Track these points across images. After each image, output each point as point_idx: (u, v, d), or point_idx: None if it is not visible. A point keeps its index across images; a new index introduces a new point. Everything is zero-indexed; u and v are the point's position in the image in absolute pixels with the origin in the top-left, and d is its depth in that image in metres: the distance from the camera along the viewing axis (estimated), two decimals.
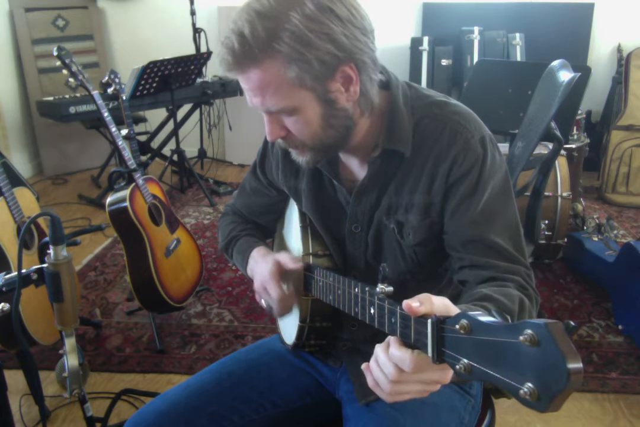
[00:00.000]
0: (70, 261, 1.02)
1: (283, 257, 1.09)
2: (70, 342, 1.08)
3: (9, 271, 1.59)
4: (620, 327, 2.32)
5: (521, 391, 0.53)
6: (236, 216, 1.34)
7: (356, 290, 0.86)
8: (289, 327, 1.21)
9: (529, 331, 0.52)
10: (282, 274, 1.08)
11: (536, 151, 2.25)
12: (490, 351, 0.57)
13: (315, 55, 0.85)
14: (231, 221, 1.33)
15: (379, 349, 0.74)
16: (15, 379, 1.99)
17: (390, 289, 0.77)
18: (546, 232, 2.63)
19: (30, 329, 1.81)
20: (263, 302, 1.14)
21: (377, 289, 0.77)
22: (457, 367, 0.60)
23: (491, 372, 0.56)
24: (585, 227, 2.84)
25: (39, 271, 1.02)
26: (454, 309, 0.70)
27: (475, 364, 0.58)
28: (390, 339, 0.73)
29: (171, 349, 2.25)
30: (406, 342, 0.71)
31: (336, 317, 1.12)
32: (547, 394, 0.51)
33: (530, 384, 0.52)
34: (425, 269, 1.07)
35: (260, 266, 1.14)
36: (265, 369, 1.19)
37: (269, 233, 1.35)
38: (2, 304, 1.02)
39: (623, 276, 2.34)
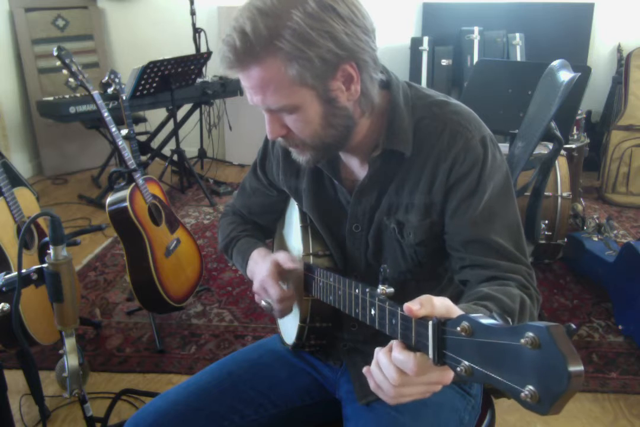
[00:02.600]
0: (70, 261, 1.02)
1: (281, 257, 1.09)
2: (70, 342, 1.08)
3: (9, 271, 1.59)
4: (620, 327, 2.32)
5: (522, 394, 0.53)
6: (236, 216, 1.34)
7: (357, 291, 0.86)
8: (289, 328, 1.21)
9: (530, 334, 0.52)
10: (281, 273, 1.08)
11: (536, 151, 2.25)
12: (491, 353, 0.57)
13: (316, 53, 0.85)
14: (231, 221, 1.32)
15: (380, 353, 0.74)
16: (15, 379, 1.98)
17: (391, 290, 0.77)
18: (546, 232, 2.63)
19: (30, 329, 1.81)
20: (263, 302, 1.14)
21: (378, 290, 0.77)
22: (458, 369, 0.60)
23: (492, 375, 0.56)
24: (585, 227, 2.84)
25: (39, 271, 1.02)
26: (455, 310, 0.70)
27: (476, 366, 0.58)
28: (393, 342, 0.73)
29: (171, 349, 2.25)
30: (407, 344, 0.71)
31: (336, 317, 1.12)
32: (548, 397, 0.51)
33: (531, 387, 0.52)
34: (426, 268, 1.07)
35: (260, 266, 1.14)
36: (266, 369, 1.19)
37: (269, 233, 1.35)
38: (2, 304, 1.02)
39: (623, 276, 2.34)
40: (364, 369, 0.77)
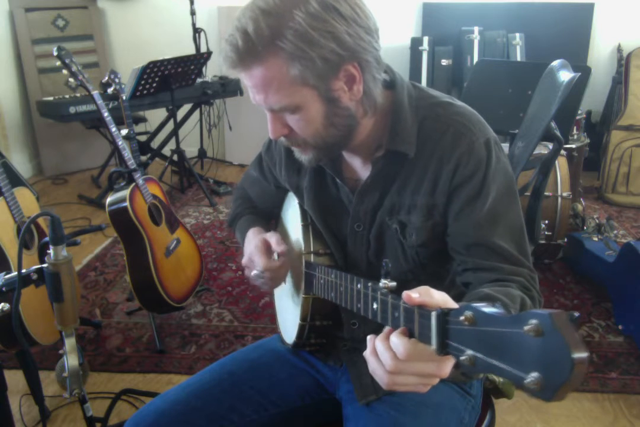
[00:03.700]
0: (70, 261, 1.02)
1: (271, 239, 1.12)
2: (70, 342, 1.08)
3: (9, 271, 1.59)
4: (620, 327, 2.32)
5: (526, 381, 0.52)
6: (244, 191, 1.38)
7: (358, 286, 0.86)
8: (289, 327, 1.21)
9: (533, 321, 0.52)
10: (268, 249, 1.12)
11: (536, 151, 2.25)
12: (494, 342, 0.57)
13: (318, 54, 0.85)
14: (239, 196, 1.38)
15: (377, 339, 0.74)
16: (15, 379, 1.99)
17: (394, 284, 0.77)
18: (546, 232, 2.63)
19: (30, 329, 1.80)
20: (253, 272, 1.15)
21: (380, 284, 0.77)
22: (462, 358, 0.60)
23: (495, 363, 0.56)
24: (585, 227, 2.84)
25: (39, 271, 1.02)
26: (452, 303, 0.70)
27: (479, 355, 0.58)
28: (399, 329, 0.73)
29: (171, 349, 2.25)
30: (411, 337, 0.71)
31: (337, 315, 1.13)
32: (552, 384, 0.51)
33: (535, 374, 0.52)
34: (427, 269, 1.07)
35: (250, 244, 1.18)
36: (266, 369, 1.19)
37: (272, 216, 1.37)
38: (2, 304, 1.02)
39: (623, 276, 2.34)
40: (364, 353, 0.77)
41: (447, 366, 0.71)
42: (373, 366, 0.75)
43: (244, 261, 1.17)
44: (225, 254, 3.07)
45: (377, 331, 0.79)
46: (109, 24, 4.49)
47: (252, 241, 1.17)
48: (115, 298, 2.63)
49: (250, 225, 1.25)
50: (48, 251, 1.01)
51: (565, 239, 2.70)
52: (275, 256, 1.12)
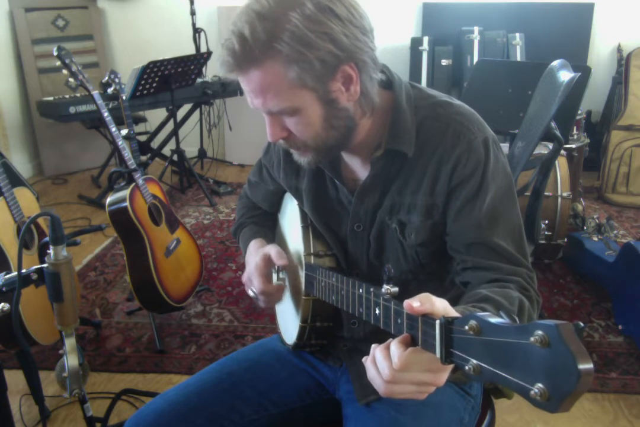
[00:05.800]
0: (70, 261, 1.02)
1: (271, 251, 1.12)
2: (70, 342, 1.08)
3: (9, 271, 1.58)
4: (620, 327, 2.32)
5: (532, 392, 0.52)
6: (248, 200, 1.38)
7: (360, 291, 0.86)
8: (289, 327, 1.21)
9: (539, 332, 0.52)
10: (268, 268, 1.13)
11: (536, 151, 2.25)
12: (500, 352, 0.57)
13: (315, 55, 0.85)
14: (243, 205, 1.38)
15: (377, 349, 0.75)
16: (15, 379, 1.98)
17: (396, 289, 0.77)
18: (546, 232, 2.63)
19: (30, 329, 1.81)
20: (249, 291, 1.19)
21: (383, 290, 0.77)
22: (467, 368, 0.60)
23: (501, 373, 0.56)
24: (585, 227, 2.84)
25: (39, 271, 1.02)
26: (451, 311, 0.71)
27: (484, 365, 0.58)
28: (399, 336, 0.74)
29: (171, 349, 2.25)
30: (413, 343, 0.71)
31: (337, 315, 1.13)
32: (558, 395, 0.51)
33: (540, 385, 0.52)
34: (427, 270, 1.07)
35: (252, 258, 1.18)
36: (266, 369, 1.19)
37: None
38: (2, 304, 1.02)
39: (623, 276, 2.34)
40: (363, 358, 0.78)
41: (443, 376, 0.72)
42: (372, 374, 0.75)
43: (244, 279, 1.19)
44: (225, 254, 3.07)
45: (377, 330, 0.79)
46: (109, 24, 4.49)
47: (253, 255, 1.18)
48: (115, 298, 2.63)
49: (252, 236, 1.25)
50: (48, 251, 1.01)
51: (565, 239, 2.70)
52: (275, 278, 1.14)
